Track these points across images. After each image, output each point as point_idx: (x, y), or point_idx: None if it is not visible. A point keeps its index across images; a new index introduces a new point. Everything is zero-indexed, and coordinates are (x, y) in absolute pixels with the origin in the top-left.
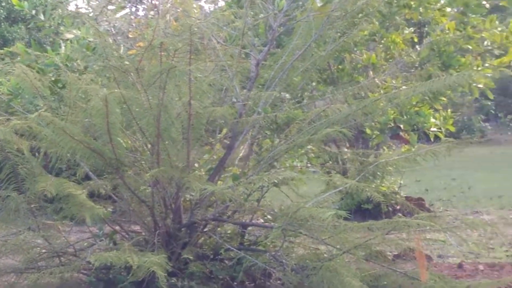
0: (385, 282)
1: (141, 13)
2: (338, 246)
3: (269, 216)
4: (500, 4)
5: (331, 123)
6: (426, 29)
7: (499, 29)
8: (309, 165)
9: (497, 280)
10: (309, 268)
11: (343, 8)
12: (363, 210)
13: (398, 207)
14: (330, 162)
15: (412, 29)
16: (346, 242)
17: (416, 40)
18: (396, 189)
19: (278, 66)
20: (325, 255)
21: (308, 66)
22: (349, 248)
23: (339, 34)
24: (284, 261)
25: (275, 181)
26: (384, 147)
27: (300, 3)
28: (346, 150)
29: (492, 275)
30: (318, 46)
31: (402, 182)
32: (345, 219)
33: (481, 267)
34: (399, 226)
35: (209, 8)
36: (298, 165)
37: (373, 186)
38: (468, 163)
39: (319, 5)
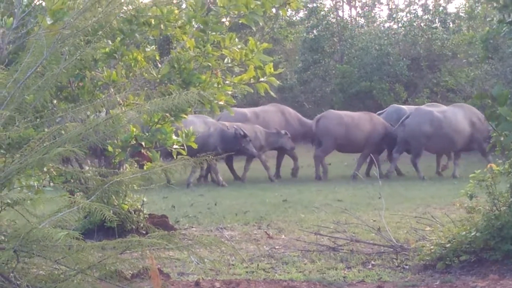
0: None
1: None
2: (73, 267)
3: (3, 237)
4: (240, 22)
5: (63, 142)
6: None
7: (239, 46)
8: (51, 184)
9: None
10: None
11: (75, 26)
12: (106, 228)
13: (141, 225)
14: (72, 181)
15: (154, 46)
16: (80, 262)
17: (158, 57)
18: (139, 206)
19: (9, 84)
20: (61, 276)
21: (42, 84)
22: (83, 268)
23: (74, 51)
24: (18, 282)
25: (8, 201)
26: (127, 165)
27: (33, 19)
28: (87, 168)
29: None
30: (56, 63)
31: (145, 199)
32: (88, 238)
33: (217, 284)
34: (133, 246)
35: None
36: (35, 184)
37: (116, 204)
38: None
39: (49, 22)
